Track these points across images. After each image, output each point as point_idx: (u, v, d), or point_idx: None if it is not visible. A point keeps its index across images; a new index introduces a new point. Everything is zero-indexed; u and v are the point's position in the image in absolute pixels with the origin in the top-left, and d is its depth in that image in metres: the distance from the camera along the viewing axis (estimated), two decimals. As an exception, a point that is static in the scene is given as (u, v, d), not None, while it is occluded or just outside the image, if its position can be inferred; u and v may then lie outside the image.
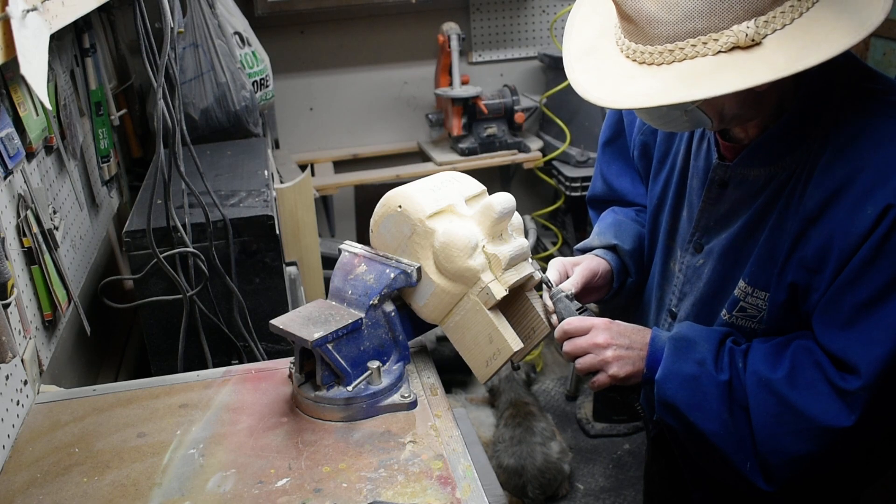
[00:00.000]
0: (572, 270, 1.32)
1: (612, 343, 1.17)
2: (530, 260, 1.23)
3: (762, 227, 1.13)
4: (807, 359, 1.08)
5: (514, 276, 1.18)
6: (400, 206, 1.18)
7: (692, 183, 1.26)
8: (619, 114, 1.45)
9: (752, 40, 0.95)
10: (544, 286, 1.25)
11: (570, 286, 1.27)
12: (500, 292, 1.15)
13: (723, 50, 0.96)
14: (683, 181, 1.28)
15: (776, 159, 1.11)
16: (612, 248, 1.40)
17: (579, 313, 1.22)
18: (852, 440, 1.06)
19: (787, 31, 0.96)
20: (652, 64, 1.00)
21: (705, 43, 0.96)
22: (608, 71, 1.05)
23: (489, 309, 1.16)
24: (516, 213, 1.21)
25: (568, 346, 1.19)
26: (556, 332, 1.21)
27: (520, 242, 1.20)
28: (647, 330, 1.21)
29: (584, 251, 1.43)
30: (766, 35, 0.96)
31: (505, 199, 1.16)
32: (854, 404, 1.03)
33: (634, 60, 1.02)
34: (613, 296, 1.40)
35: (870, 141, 1.02)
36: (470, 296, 1.16)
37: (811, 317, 1.08)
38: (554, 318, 1.24)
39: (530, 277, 1.22)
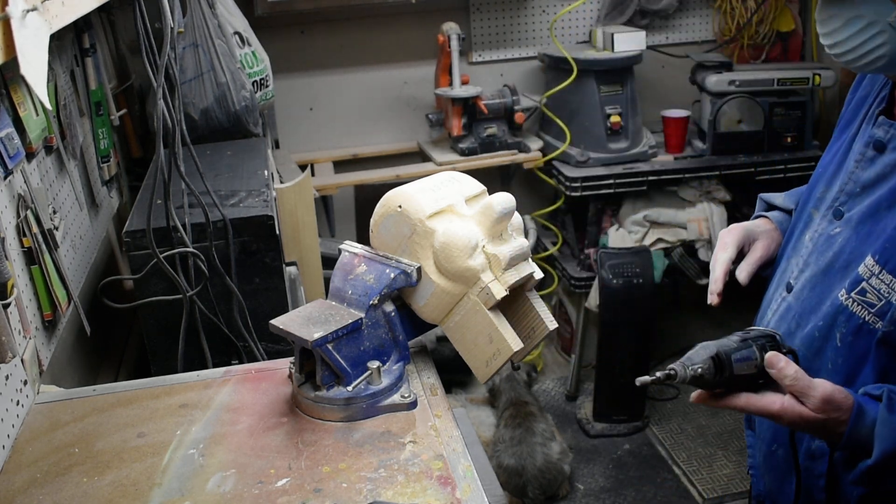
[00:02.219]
0: (749, 247, 1.28)
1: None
2: (530, 260, 1.23)
3: None
4: None
5: (514, 276, 1.18)
6: (400, 206, 1.18)
7: (856, 147, 1.16)
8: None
9: None
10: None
11: (746, 275, 1.24)
12: (500, 292, 1.15)
13: None
14: (850, 148, 1.19)
15: None
16: (790, 213, 1.34)
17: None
18: None
19: None
20: None
21: None
22: None
23: (489, 309, 1.16)
24: (516, 213, 1.21)
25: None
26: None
27: (520, 242, 1.20)
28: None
29: (767, 203, 1.38)
30: None
31: (505, 199, 1.16)
32: None
33: None
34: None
35: None
36: (470, 296, 1.16)
37: None
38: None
39: (530, 277, 1.22)
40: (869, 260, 1.04)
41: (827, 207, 1.17)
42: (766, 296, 1.31)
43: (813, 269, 1.16)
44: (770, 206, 1.44)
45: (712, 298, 1.27)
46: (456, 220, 1.18)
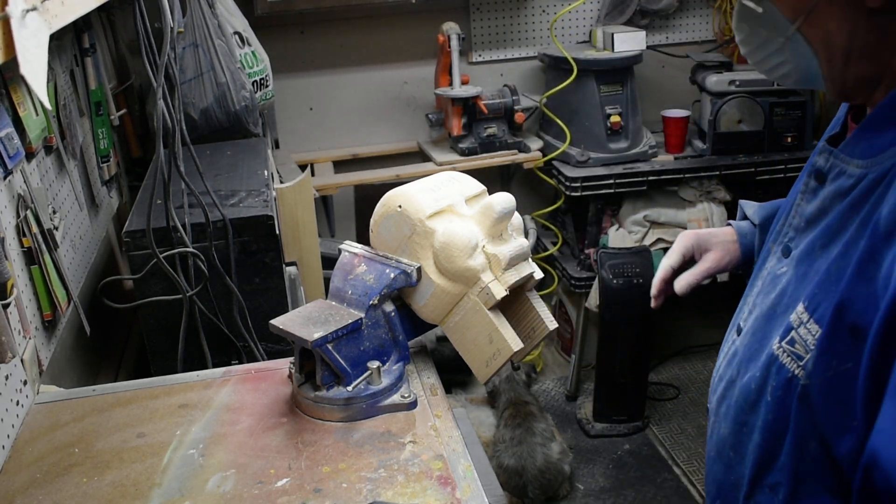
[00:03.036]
0: (701, 256, 1.22)
1: None
2: (530, 260, 1.23)
3: (838, 238, 0.89)
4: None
5: (514, 276, 1.18)
6: (400, 206, 1.18)
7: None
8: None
9: None
10: None
11: (683, 285, 1.19)
12: (500, 292, 1.15)
13: None
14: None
15: (876, 150, 0.86)
16: (758, 227, 1.26)
17: None
18: None
19: None
20: None
21: None
22: None
23: (489, 309, 1.16)
24: (516, 213, 1.21)
25: None
26: None
27: (520, 242, 1.20)
28: None
29: (743, 213, 1.31)
30: None
31: (505, 199, 1.16)
32: None
33: None
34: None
35: None
36: (470, 296, 1.16)
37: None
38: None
39: (530, 277, 1.22)
40: (800, 306, 0.90)
41: (779, 243, 1.04)
42: (725, 336, 1.17)
43: (757, 313, 1.03)
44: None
45: (652, 302, 1.25)
46: (456, 220, 1.18)
